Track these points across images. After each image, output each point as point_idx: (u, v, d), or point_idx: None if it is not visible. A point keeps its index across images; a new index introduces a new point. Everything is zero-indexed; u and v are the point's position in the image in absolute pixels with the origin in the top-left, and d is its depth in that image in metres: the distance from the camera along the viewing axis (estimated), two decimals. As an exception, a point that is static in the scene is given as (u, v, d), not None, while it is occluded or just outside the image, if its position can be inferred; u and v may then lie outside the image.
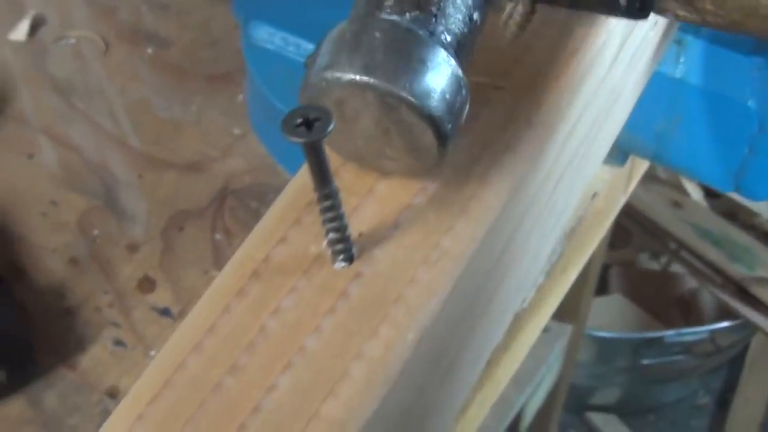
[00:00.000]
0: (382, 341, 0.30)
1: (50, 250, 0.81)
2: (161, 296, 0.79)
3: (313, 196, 0.33)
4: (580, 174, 0.45)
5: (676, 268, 1.79)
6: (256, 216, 0.83)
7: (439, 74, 0.33)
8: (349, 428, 0.29)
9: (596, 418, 1.81)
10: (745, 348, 1.74)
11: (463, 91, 0.33)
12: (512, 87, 0.36)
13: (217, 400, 0.29)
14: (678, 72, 0.68)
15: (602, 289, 1.76)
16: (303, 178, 0.35)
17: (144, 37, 0.94)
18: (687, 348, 1.63)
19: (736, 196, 1.68)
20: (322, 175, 0.31)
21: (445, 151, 0.33)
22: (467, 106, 0.34)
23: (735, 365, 1.78)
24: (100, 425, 0.75)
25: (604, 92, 0.41)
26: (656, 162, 0.76)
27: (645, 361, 1.65)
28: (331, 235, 0.32)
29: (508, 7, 0.37)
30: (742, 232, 1.60)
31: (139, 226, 0.83)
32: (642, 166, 0.93)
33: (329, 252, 0.33)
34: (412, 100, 0.32)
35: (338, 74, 0.33)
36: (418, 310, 0.31)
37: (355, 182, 0.34)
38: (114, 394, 0.75)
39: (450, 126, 0.33)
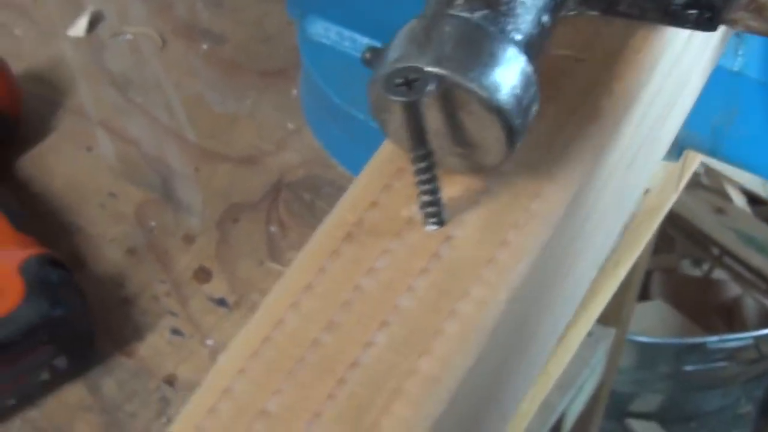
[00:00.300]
0: (475, 300, 0.31)
1: (109, 240, 0.83)
2: (217, 286, 0.81)
3: (402, 163, 0.34)
4: (649, 159, 0.45)
5: (718, 275, 1.78)
6: (311, 208, 0.85)
7: (509, 69, 0.33)
8: (445, 384, 0.29)
9: (637, 425, 1.80)
10: (789, 356, 1.73)
11: (533, 89, 0.34)
12: (593, 59, 0.36)
13: (316, 355, 0.30)
14: (736, 65, 0.68)
15: (644, 295, 1.76)
16: (392, 145, 0.35)
17: (199, 33, 0.96)
18: (730, 354, 1.61)
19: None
20: (418, 136, 0.31)
21: (513, 146, 0.33)
22: (537, 104, 0.34)
23: (778, 373, 1.76)
24: (158, 412, 0.77)
25: (677, 74, 0.42)
26: (712, 156, 0.76)
27: (687, 368, 1.64)
28: (424, 198, 0.32)
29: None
30: (786, 238, 1.59)
31: (195, 218, 0.84)
32: (693, 163, 0.93)
33: (421, 215, 0.33)
34: (481, 92, 0.32)
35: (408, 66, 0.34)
36: (509, 272, 0.31)
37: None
38: (171, 382, 0.76)
39: (519, 121, 0.33)
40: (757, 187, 1.69)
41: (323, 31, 0.84)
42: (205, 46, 0.95)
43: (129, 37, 0.96)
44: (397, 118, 0.32)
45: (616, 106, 0.35)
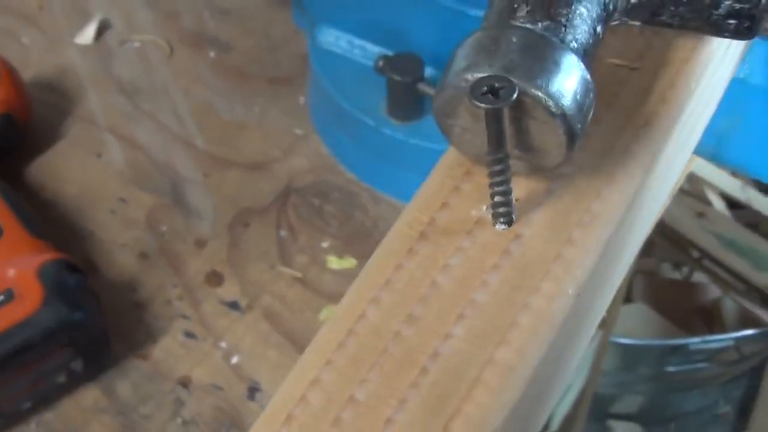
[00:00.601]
0: (546, 294, 0.33)
1: (121, 245, 0.84)
2: (229, 290, 0.82)
3: (469, 166, 0.36)
4: (680, 164, 0.47)
5: (698, 278, 1.82)
6: (319, 213, 0.86)
7: (571, 77, 0.35)
8: (521, 373, 0.31)
9: (618, 426, 1.82)
10: (766, 358, 1.76)
11: (591, 95, 0.36)
12: (646, 68, 0.39)
13: (398, 347, 0.32)
14: (742, 72, 0.71)
15: (625, 297, 1.78)
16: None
17: (206, 41, 0.97)
18: (711, 356, 1.64)
19: (759, 207, 1.71)
20: (499, 141, 0.33)
21: (572, 150, 0.35)
22: (593, 109, 0.36)
23: (755, 374, 1.80)
24: (173, 414, 0.78)
25: (713, 82, 0.44)
26: (715, 161, 0.78)
27: (669, 369, 1.67)
28: (497, 198, 0.34)
29: None
30: (765, 241, 1.62)
31: (206, 223, 0.86)
32: (688, 168, 0.95)
33: (490, 215, 0.35)
34: (548, 99, 0.35)
35: (479, 75, 0.35)
36: (575, 268, 0.33)
37: (509, 153, 0.36)
38: (186, 384, 0.77)
39: (579, 126, 0.35)
40: (736, 191, 1.73)
41: (334, 39, 0.86)
42: (212, 54, 0.96)
43: (137, 44, 0.97)
44: (467, 124, 0.34)
45: (668, 112, 0.37)
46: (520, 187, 0.36)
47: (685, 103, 0.38)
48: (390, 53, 0.82)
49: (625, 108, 0.37)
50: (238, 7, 1.00)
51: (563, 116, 0.35)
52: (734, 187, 1.72)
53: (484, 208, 0.35)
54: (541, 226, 0.34)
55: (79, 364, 0.75)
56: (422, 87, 0.79)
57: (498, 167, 0.33)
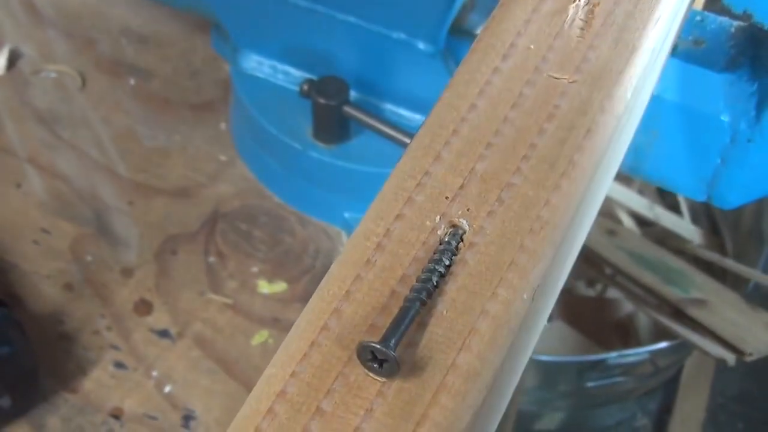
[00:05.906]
0: (502, 300, 0.33)
1: (45, 276, 0.82)
2: (159, 318, 0.81)
3: (420, 177, 0.36)
4: (614, 168, 0.49)
5: (611, 294, 1.86)
6: (248, 238, 0.86)
7: None
8: (484, 376, 0.32)
9: (540, 443, 1.85)
10: (680, 369, 1.81)
11: None
12: (583, 80, 0.40)
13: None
14: (656, 89, 0.73)
15: (543, 316, 1.80)
16: (407, 161, 0.37)
17: (125, 68, 0.96)
18: (628, 369, 1.68)
19: (666, 224, 1.76)
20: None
21: None
22: None
23: (670, 386, 1.84)
24: (105, 446, 0.76)
25: (643, 93, 0.45)
26: (633, 174, 0.81)
27: (588, 384, 1.70)
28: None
29: (570, 9, 0.41)
30: (675, 256, 1.67)
31: (133, 251, 0.84)
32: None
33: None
34: None
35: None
36: (529, 273, 0.34)
37: (458, 162, 0.37)
38: (118, 416, 0.76)
39: None
40: (644, 209, 1.78)
41: (257, 65, 0.86)
42: (132, 81, 0.95)
43: (53, 74, 0.95)
44: None
45: (608, 121, 0.39)
46: (471, 198, 0.36)
47: (622, 113, 0.40)
48: (314, 77, 0.82)
49: (567, 119, 0.39)
50: (156, 34, 0.99)
51: None
52: (642, 205, 1.77)
53: (437, 218, 0.36)
54: (493, 234, 0.35)
55: (6, 401, 0.73)
56: (348, 109, 0.80)
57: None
